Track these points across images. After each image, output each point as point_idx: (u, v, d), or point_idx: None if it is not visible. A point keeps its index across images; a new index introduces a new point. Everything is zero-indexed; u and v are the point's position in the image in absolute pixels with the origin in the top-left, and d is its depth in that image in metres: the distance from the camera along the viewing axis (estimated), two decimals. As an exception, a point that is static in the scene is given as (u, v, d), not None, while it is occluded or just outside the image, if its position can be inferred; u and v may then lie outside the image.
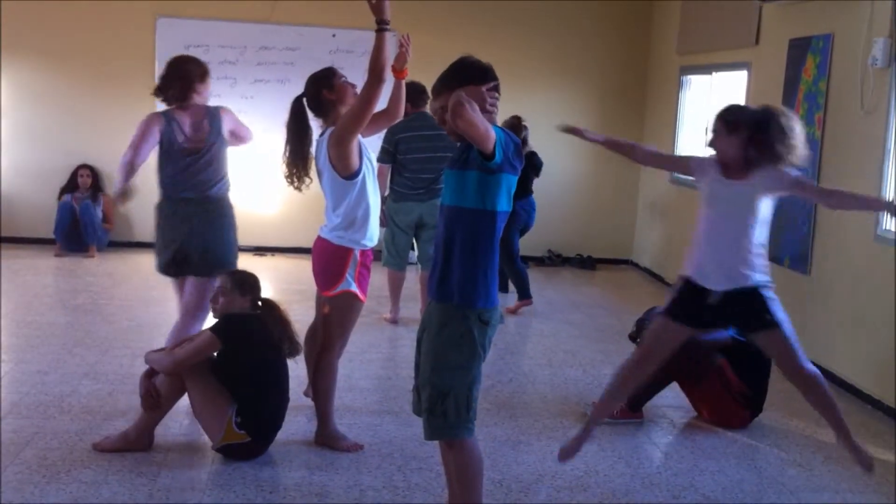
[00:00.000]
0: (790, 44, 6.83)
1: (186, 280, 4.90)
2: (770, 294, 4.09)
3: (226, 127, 4.92)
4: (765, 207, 4.12)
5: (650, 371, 4.31)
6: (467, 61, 3.29)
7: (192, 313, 4.88)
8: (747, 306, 4.08)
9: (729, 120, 4.15)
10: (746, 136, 4.11)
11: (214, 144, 4.85)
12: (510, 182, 3.23)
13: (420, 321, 3.45)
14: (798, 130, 4.11)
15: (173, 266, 4.86)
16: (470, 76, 3.23)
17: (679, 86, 9.06)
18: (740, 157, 4.12)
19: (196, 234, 4.80)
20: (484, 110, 3.13)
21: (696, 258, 4.17)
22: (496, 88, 3.28)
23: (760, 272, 4.09)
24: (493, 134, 3.04)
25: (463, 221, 3.21)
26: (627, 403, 5.05)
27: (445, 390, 3.21)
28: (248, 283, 4.41)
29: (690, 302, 4.16)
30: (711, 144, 4.22)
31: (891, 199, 4.43)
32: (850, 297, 5.96)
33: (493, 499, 4.01)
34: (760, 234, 4.12)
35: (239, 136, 5.00)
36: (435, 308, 3.30)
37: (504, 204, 3.23)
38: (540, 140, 8.65)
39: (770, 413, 5.28)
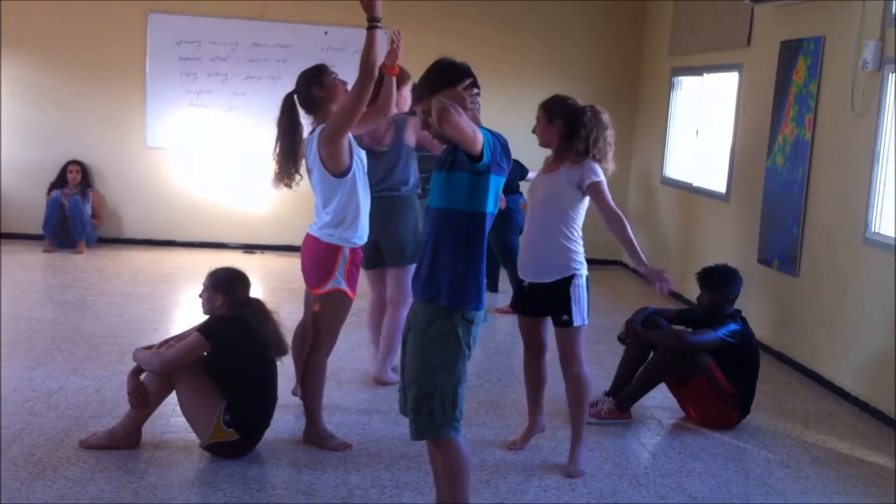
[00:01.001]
0: (782, 46, 6.84)
1: (385, 273, 5.35)
2: (575, 286, 4.28)
3: (409, 133, 5.22)
4: (571, 199, 4.27)
5: (541, 361, 4.59)
6: (441, 64, 3.31)
7: (395, 303, 5.32)
8: (552, 300, 4.30)
9: (548, 109, 4.32)
10: (562, 127, 4.26)
11: (395, 148, 5.20)
12: (498, 183, 3.23)
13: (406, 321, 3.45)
14: (610, 136, 4.28)
15: (368, 258, 5.11)
16: (444, 80, 3.25)
17: (670, 86, 9.06)
18: (554, 147, 4.33)
19: (388, 230, 5.16)
20: (465, 108, 3.15)
21: (521, 251, 4.45)
22: (473, 84, 3.30)
23: (566, 265, 4.26)
24: (480, 136, 3.06)
25: (452, 224, 3.21)
26: (616, 403, 5.06)
27: (431, 390, 3.20)
28: (232, 281, 4.34)
29: (519, 293, 4.52)
30: (534, 130, 4.41)
31: (661, 271, 4.26)
32: (838, 300, 5.97)
33: (481, 498, 4.01)
34: (567, 226, 4.27)
35: (427, 143, 5.18)
36: (420, 308, 3.29)
37: (492, 205, 3.24)
38: (531, 139, 8.64)
39: (758, 414, 5.29)
